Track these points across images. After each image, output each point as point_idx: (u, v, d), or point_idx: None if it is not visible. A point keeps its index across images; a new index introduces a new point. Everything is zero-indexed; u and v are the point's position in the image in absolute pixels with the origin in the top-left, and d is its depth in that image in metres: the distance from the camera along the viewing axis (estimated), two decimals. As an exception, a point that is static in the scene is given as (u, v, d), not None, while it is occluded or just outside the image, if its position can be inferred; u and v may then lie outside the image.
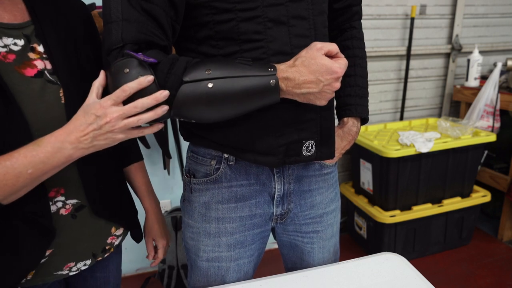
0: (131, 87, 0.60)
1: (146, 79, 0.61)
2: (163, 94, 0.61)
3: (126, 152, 0.92)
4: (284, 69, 0.68)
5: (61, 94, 0.70)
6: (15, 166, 0.59)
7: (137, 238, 0.94)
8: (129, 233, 0.93)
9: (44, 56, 0.70)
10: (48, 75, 0.70)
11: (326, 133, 0.80)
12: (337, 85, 0.69)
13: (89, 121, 0.60)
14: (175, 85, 0.64)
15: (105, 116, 0.59)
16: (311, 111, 0.77)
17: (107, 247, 0.84)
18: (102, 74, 0.65)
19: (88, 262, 0.80)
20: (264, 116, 0.75)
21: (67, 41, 0.74)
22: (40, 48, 0.70)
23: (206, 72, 0.65)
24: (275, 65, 0.69)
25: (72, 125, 0.61)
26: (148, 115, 0.61)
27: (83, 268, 0.80)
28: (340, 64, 0.68)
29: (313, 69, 0.66)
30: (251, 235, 0.86)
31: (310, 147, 0.79)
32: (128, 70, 0.61)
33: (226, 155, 0.81)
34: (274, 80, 0.67)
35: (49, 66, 0.70)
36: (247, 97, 0.67)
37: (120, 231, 0.87)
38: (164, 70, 0.64)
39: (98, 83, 0.64)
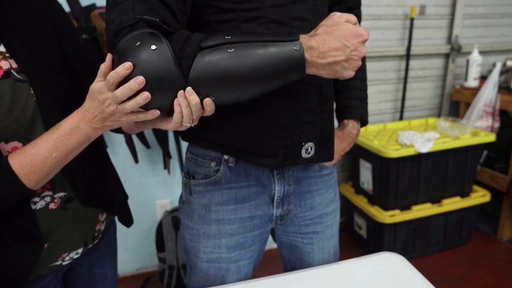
0: (111, 75, 0.57)
1: (124, 67, 0.56)
2: (137, 80, 0.56)
3: None
4: (306, 38, 0.63)
5: (32, 92, 0.69)
6: (40, 153, 0.62)
7: (126, 222, 0.93)
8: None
9: (7, 55, 0.68)
10: (15, 74, 0.68)
11: (326, 135, 0.80)
12: (364, 50, 0.64)
13: (95, 104, 0.61)
14: (192, 54, 0.58)
15: (104, 101, 0.59)
16: (310, 113, 0.77)
17: (96, 234, 0.85)
18: (108, 57, 0.62)
19: (80, 250, 0.81)
20: (263, 118, 0.75)
21: (31, 37, 0.71)
22: (1, 48, 0.67)
23: (226, 37, 0.61)
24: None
25: (84, 107, 0.63)
26: (129, 104, 0.58)
27: (75, 257, 0.80)
28: (365, 28, 0.64)
29: (337, 35, 0.62)
30: (251, 237, 0.86)
31: (309, 149, 0.79)
32: (139, 43, 0.57)
33: (226, 157, 0.81)
34: (298, 46, 0.61)
35: (14, 65, 0.68)
36: (270, 66, 0.61)
37: (104, 216, 0.87)
38: (181, 39, 0.59)
39: (103, 66, 0.62)
